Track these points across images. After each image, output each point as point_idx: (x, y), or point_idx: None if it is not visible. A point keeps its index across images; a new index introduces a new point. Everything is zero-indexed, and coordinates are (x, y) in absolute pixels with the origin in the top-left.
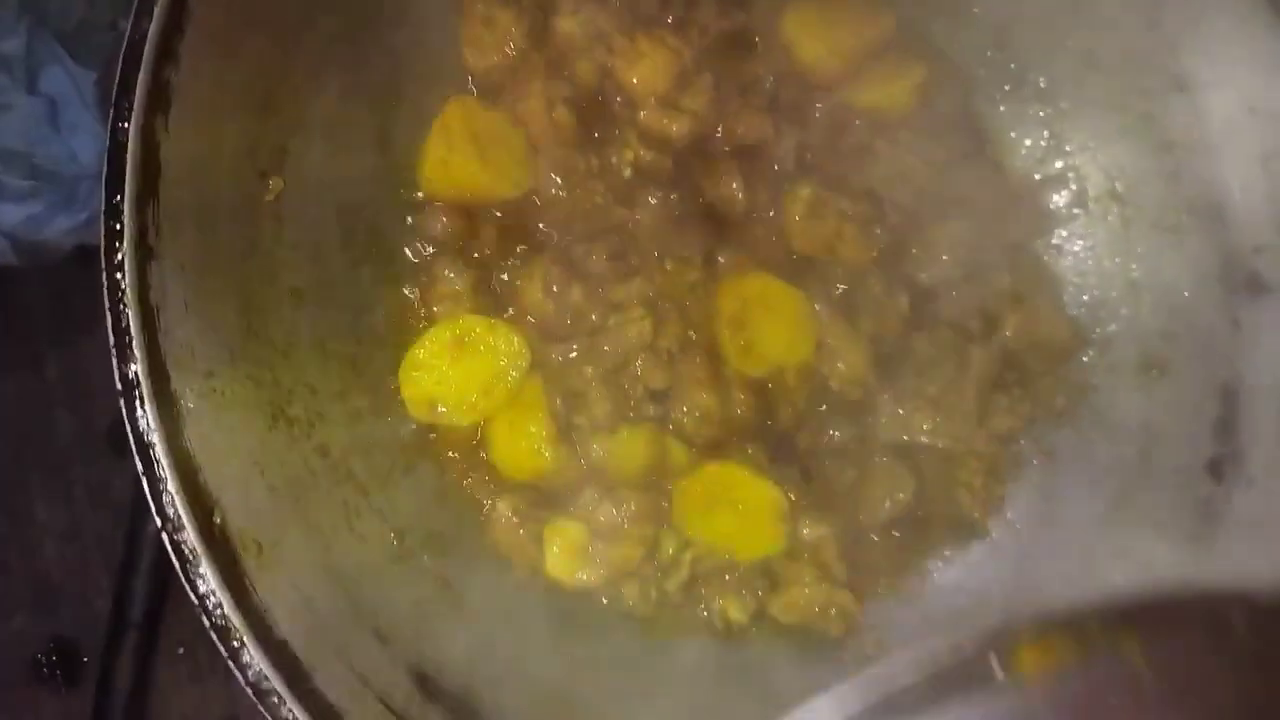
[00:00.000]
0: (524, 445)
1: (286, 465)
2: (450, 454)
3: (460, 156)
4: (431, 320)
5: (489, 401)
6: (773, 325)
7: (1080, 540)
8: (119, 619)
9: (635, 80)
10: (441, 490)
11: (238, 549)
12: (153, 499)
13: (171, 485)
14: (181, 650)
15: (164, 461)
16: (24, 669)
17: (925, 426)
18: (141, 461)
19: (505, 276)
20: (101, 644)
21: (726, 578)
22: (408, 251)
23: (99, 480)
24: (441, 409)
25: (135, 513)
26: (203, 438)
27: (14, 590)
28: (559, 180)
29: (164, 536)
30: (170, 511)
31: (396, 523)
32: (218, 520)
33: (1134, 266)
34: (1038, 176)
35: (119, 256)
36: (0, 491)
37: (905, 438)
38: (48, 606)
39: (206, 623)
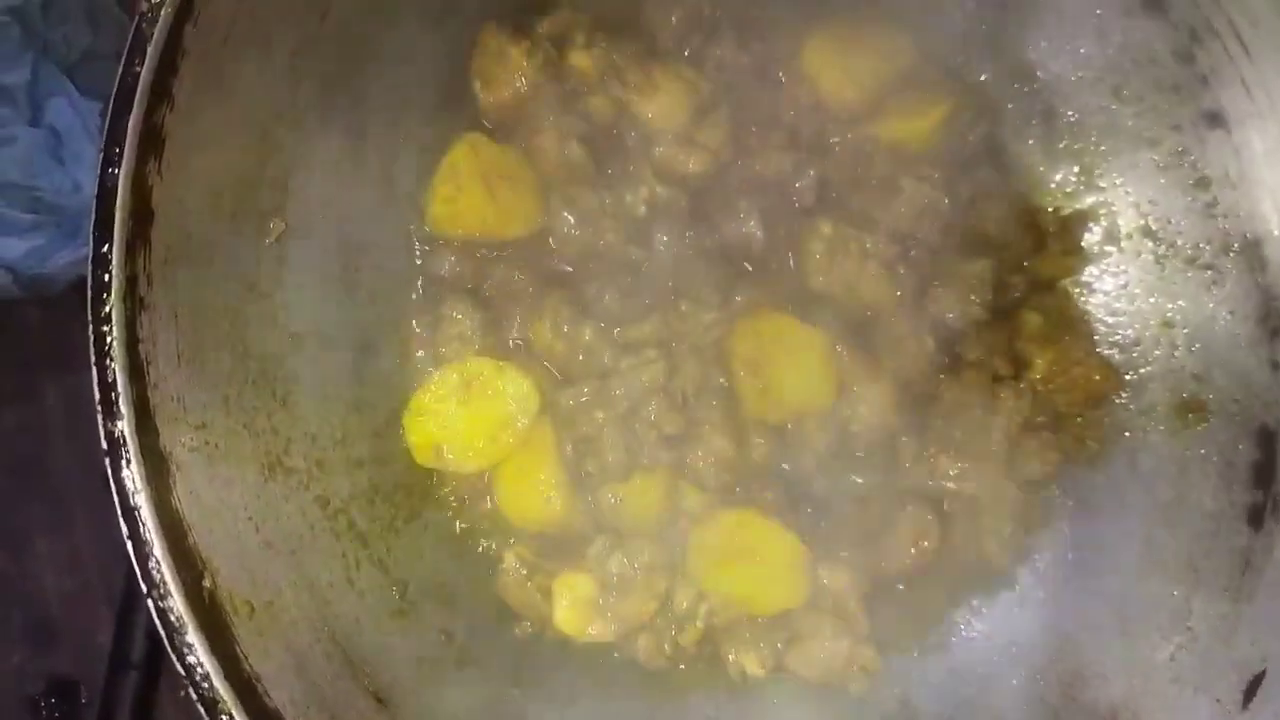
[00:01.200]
0: (533, 493)
1: (283, 519)
2: (457, 501)
3: (468, 196)
4: (439, 363)
5: (497, 447)
6: (792, 368)
7: (1113, 591)
8: (120, 658)
9: (650, 115)
10: (447, 539)
11: (228, 614)
12: (138, 564)
13: (158, 550)
14: (184, 693)
15: (150, 524)
16: (22, 709)
17: (951, 472)
18: (126, 524)
19: (516, 317)
20: (101, 684)
21: (744, 630)
22: (415, 291)
23: (100, 511)
24: (448, 455)
25: None
26: (192, 495)
27: (12, 626)
28: (571, 219)
29: (150, 603)
30: (156, 577)
31: (399, 574)
32: (207, 585)
33: (1168, 306)
34: (1067, 212)
35: (106, 309)
36: None
37: (930, 483)
38: (47, 643)
39: (194, 695)
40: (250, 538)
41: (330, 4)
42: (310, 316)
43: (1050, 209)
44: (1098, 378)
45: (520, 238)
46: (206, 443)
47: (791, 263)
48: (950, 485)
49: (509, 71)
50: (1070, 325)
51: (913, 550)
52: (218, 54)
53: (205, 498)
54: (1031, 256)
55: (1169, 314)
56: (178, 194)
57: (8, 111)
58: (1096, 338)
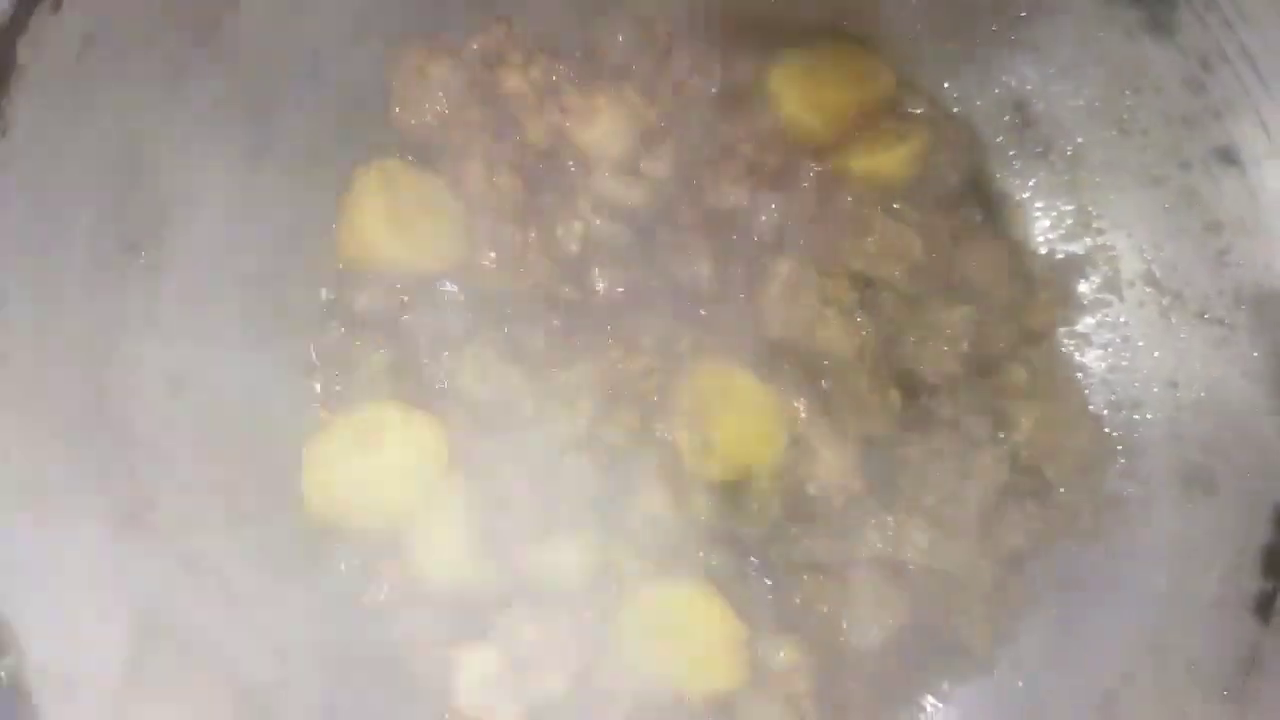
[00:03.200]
0: (440, 554)
1: (137, 581)
2: (356, 560)
3: (374, 228)
4: (343, 408)
5: (401, 503)
6: (736, 421)
7: (1100, 683)
8: None
9: (590, 142)
10: (340, 601)
11: (33, 695)
12: None
13: None
14: None
15: None
16: None
17: (920, 543)
18: None
19: (434, 360)
20: None
21: (675, 714)
22: (321, 330)
23: None
24: (347, 510)
25: None
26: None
27: None
28: (493, 255)
29: None
30: None
31: (279, 639)
32: (8, 663)
33: (1173, 364)
34: (1061, 256)
35: None
36: None
37: (897, 554)
38: None
39: None
40: (86, 606)
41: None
42: (193, 356)
43: (1042, 252)
44: (1089, 443)
45: (439, 273)
46: (36, 498)
47: (746, 306)
48: (919, 558)
49: (431, 92)
50: (1060, 382)
51: (875, 628)
52: (67, 73)
53: (30, 562)
54: (1019, 305)
55: (1174, 373)
56: (13, 225)
57: None
58: (1091, 396)
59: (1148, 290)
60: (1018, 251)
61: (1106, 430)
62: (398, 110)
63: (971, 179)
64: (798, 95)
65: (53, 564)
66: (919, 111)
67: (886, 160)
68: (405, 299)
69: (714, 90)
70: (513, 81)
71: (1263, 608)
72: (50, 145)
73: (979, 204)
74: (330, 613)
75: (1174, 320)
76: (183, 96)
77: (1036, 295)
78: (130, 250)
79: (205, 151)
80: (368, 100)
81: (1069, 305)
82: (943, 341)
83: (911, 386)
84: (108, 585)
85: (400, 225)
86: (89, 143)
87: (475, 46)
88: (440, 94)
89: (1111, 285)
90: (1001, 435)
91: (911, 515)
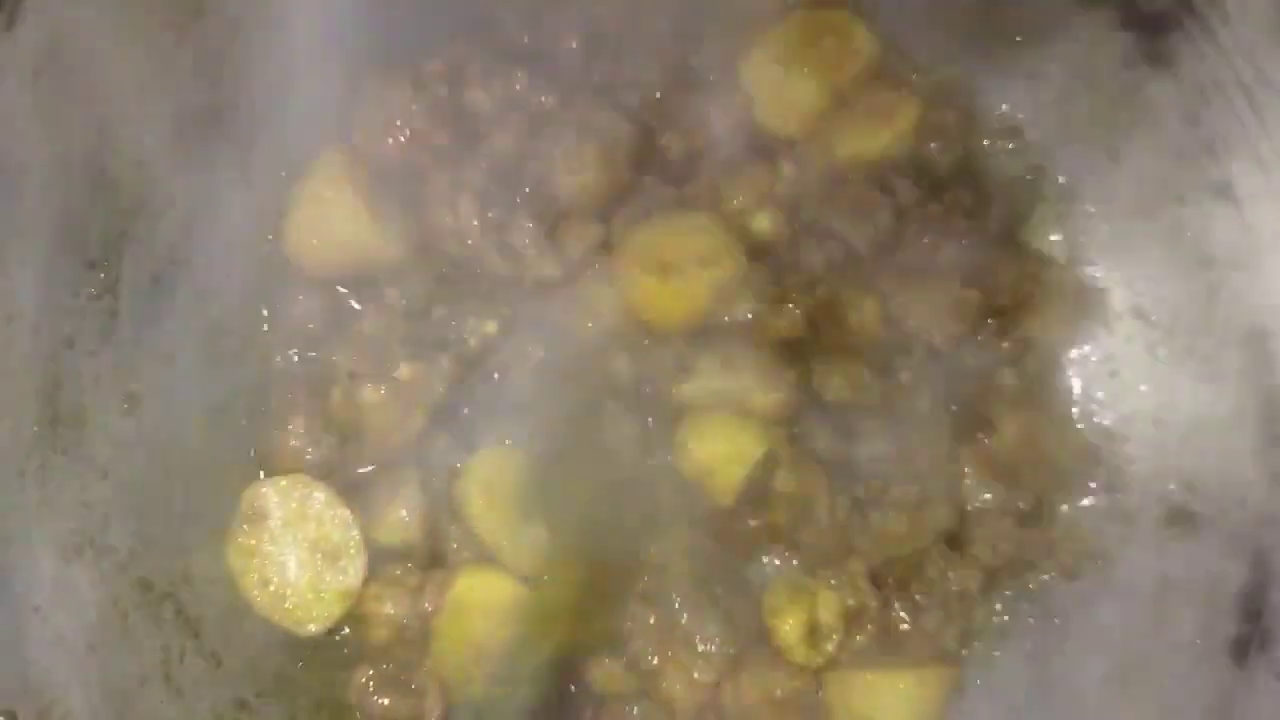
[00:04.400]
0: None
1: (86, 607)
2: None
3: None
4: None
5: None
6: None
7: (1074, 716)
8: None
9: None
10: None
11: None
12: None
13: None
14: None
15: None
16: None
17: None
18: None
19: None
20: None
21: None
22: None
23: None
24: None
25: None
26: None
27: None
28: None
29: None
30: None
31: (233, 666)
32: None
33: (1160, 401)
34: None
35: None
36: None
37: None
38: None
39: None
40: (33, 632)
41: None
42: (152, 376)
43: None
44: (1070, 456)
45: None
46: None
47: None
48: None
49: (389, 119)
50: (1049, 395)
51: None
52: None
53: None
54: (1016, 302)
55: (1160, 410)
56: None
57: None
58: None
59: (1136, 324)
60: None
61: (1088, 446)
62: (358, 137)
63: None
64: (769, 93)
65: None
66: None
67: (873, 143)
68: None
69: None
70: (477, 96)
71: (1239, 651)
72: (10, 164)
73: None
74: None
75: (1161, 356)
76: (147, 112)
77: (1035, 300)
78: (89, 269)
79: (168, 166)
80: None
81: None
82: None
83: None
84: (61, 611)
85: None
86: (49, 162)
87: (433, 68)
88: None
89: (1100, 318)
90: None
91: None
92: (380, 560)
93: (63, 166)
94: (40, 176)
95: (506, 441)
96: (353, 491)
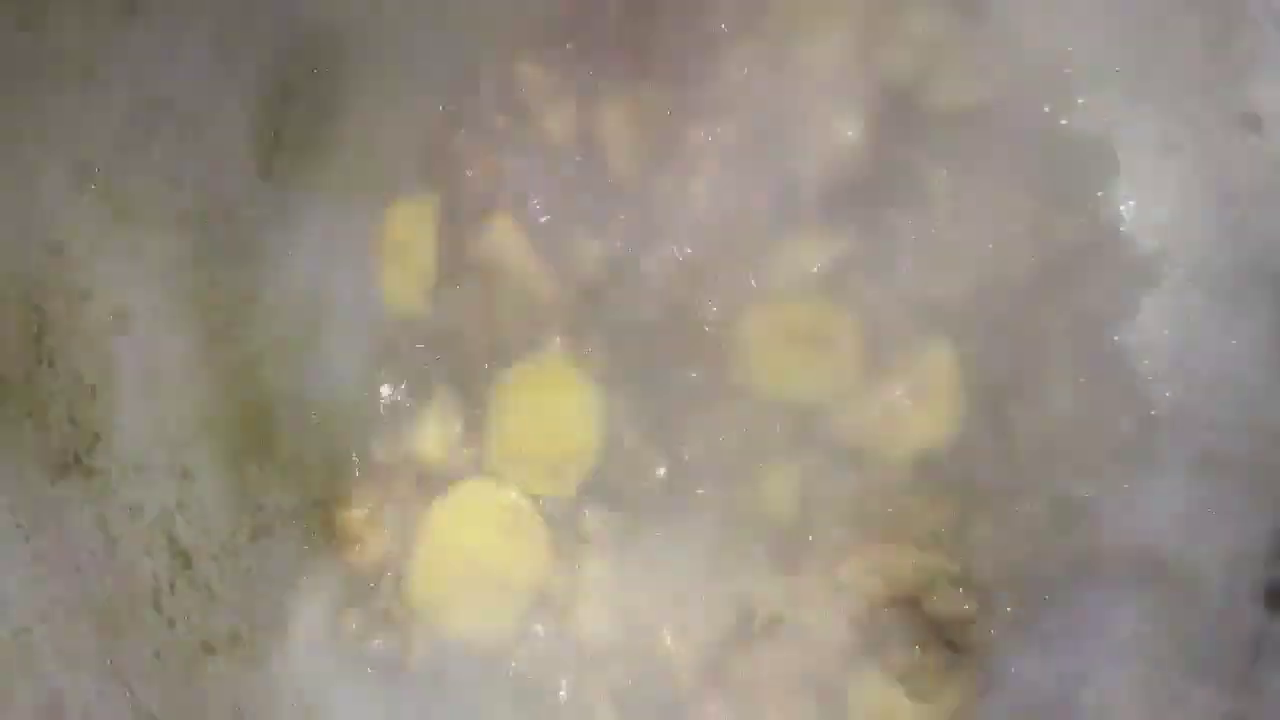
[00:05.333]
0: None
1: (70, 529)
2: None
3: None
4: None
5: None
6: None
7: (1098, 667)
8: None
9: None
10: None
11: None
12: None
13: None
14: None
15: None
16: None
17: None
18: None
19: None
20: None
21: None
22: None
23: None
24: None
25: None
26: None
27: None
28: None
29: None
30: None
31: (231, 600)
32: None
33: (1184, 341)
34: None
35: None
36: None
37: None
38: None
39: None
40: (13, 549)
41: None
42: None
43: None
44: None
45: None
46: None
47: None
48: None
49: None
50: None
51: None
52: None
53: None
54: None
55: (1185, 351)
56: None
57: None
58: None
59: (1159, 264)
60: None
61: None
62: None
63: None
64: None
65: None
66: None
67: None
68: None
69: None
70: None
71: (1272, 595)
72: None
73: None
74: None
75: (1185, 297)
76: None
77: None
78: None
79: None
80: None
81: None
82: None
83: None
84: (44, 530)
85: None
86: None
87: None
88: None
89: (1122, 257)
90: None
91: None
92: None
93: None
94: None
95: None
96: None
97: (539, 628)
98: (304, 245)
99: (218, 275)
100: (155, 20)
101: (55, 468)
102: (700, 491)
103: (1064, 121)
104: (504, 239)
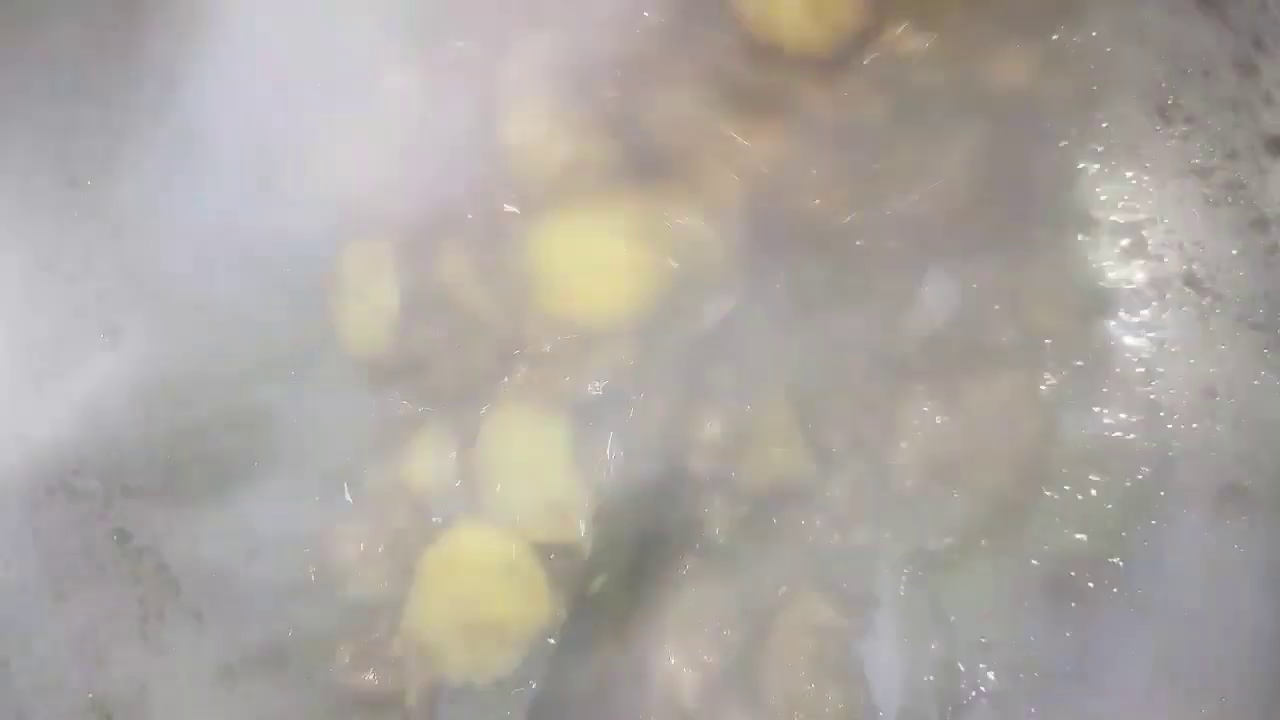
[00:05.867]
0: None
1: (54, 554)
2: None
3: None
4: None
5: None
6: None
7: (1121, 709)
8: None
9: None
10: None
11: None
12: None
13: None
14: None
15: None
16: None
17: None
18: None
19: None
20: None
21: None
22: None
23: None
24: None
25: None
26: None
27: None
28: None
29: None
30: None
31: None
32: None
33: (1212, 370)
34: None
35: None
36: None
37: None
38: None
39: None
40: None
41: None
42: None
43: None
44: None
45: None
46: None
47: None
48: None
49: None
50: None
51: None
52: None
53: None
54: None
55: (1213, 380)
56: None
57: None
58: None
59: (1187, 290)
60: None
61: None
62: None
63: None
64: None
65: None
66: None
67: None
68: None
69: None
70: None
71: None
72: None
73: None
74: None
75: (1214, 324)
76: None
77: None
78: None
79: None
80: None
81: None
82: None
83: None
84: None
85: None
86: None
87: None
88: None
89: (1147, 283)
90: None
91: None
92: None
93: None
94: None
95: None
96: None
97: None
98: None
99: None
100: None
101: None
102: None
103: None
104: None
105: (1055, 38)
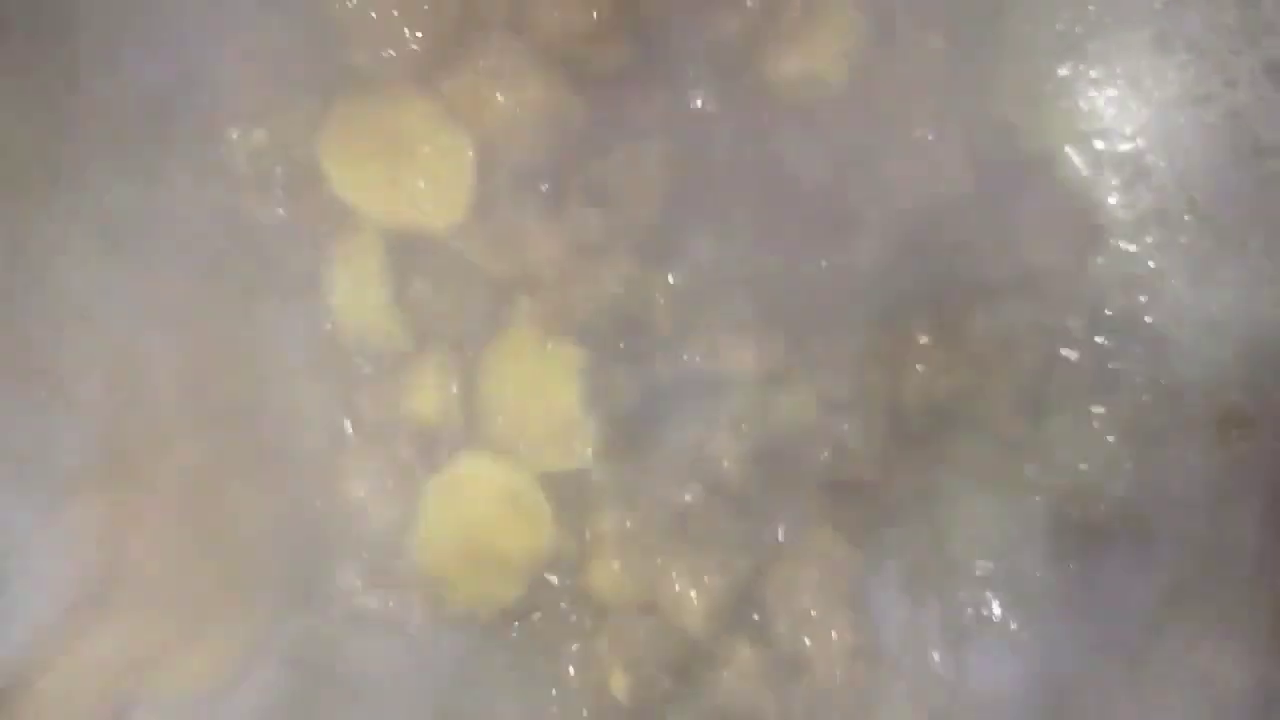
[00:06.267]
0: None
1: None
2: None
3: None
4: None
5: None
6: None
7: (1125, 638)
8: None
9: None
10: None
11: None
12: None
13: None
14: None
15: None
16: None
17: None
18: None
19: None
20: None
21: None
22: None
23: None
24: None
25: None
26: None
27: None
28: None
29: None
30: None
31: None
32: None
33: (1212, 300)
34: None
35: None
36: None
37: None
38: None
39: None
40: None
41: None
42: None
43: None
44: None
45: None
46: None
47: None
48: None
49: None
50: None
51: None
52: None
53: None
54: None
55: (1213, 310)
56: None
57: None
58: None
59: (1187, 219)
60: None
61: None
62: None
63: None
64: None
65: None
66: None
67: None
68: None
69: None
70: None
71: None
72: None
73: None
74: None
75: (1214, 252)
76: None
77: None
78: None
79: None
80: None
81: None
82: None
83: None
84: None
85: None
86: None
87: None
88: None
89: (1148, 212)
90: None
91: None
92: None
93: None
94: None
95: None
96: None
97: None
98: None
99: None
100: None
101: None
102: None
103: None
104: None
105: None
